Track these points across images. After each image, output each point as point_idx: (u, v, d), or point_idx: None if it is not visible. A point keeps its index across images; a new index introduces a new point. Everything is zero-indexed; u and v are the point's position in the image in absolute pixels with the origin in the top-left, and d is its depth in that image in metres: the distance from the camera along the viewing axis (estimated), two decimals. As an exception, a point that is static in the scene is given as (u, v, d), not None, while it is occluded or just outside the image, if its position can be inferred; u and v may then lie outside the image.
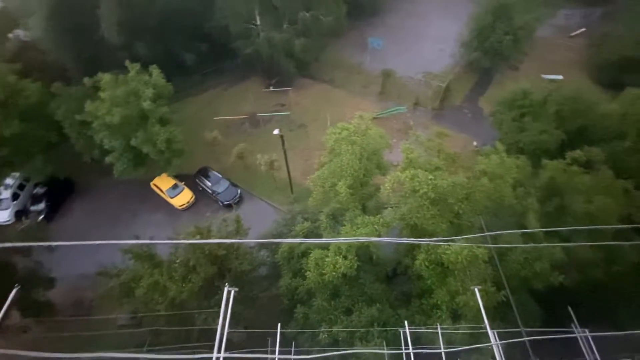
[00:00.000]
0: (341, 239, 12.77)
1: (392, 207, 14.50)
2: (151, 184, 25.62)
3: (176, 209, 24.77)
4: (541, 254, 12.66)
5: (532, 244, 12.64)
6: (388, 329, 12.98)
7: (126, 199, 25.67)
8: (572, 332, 10.34)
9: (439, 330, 10.54)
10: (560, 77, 29.69)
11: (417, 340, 11.79)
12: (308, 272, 13.03)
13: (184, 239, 14.55)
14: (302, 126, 28.65)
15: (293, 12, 28.00)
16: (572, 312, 11.02)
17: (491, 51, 28.78)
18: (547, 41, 34.11)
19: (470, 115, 29.38)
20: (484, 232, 10.71)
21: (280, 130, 20.74)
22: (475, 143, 25.74)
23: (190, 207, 25.00)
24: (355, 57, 34.31)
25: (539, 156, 18.09)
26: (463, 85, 31.48)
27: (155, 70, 21.94)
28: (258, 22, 28.26)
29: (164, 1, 26.45)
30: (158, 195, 25.45)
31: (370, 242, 12.14)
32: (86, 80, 21.17)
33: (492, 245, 11.67)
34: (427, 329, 11.68)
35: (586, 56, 32.62)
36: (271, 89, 30.86)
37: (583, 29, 36.05)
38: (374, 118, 26.24)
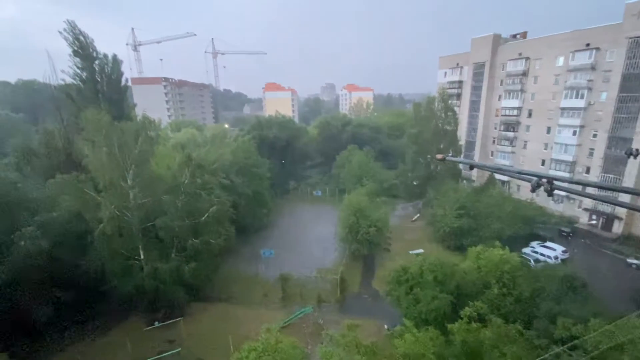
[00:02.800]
0: None
1: None
2: None
3: None
4: None
5: None
6: None
7: None
8: None
9: None
10: (421, 250, 36.48)
11: None
12: None
13: None
14: (199, 361, 23.51)
15: (181, 241, 28.48)
16: None
17: (364, 241, 34.89)
18: (400, 227, 45.01)
19: (370, 299, 30.69)
20: None
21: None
22: (386, 326, 25.67)
23: None
24: (251, 269, 35.19)
25: (441, 322, 18.99)
26: (354, 272, 34.47)
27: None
28: (142, 257, 27.14)
29: (17, 256, 23.02)
30: None
31: None
32: None
33: None
34: None
35: (430, 232, 42.39)
36: (156, 324, 26.30)
37: (418, 215, 49.28)
38: (282, 327, 24.32)
